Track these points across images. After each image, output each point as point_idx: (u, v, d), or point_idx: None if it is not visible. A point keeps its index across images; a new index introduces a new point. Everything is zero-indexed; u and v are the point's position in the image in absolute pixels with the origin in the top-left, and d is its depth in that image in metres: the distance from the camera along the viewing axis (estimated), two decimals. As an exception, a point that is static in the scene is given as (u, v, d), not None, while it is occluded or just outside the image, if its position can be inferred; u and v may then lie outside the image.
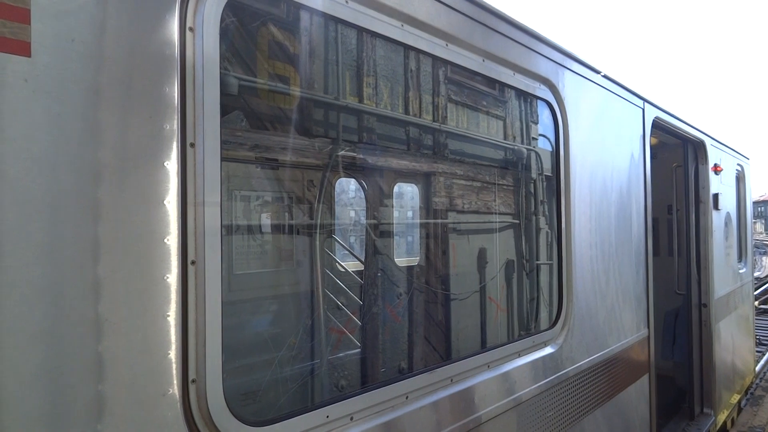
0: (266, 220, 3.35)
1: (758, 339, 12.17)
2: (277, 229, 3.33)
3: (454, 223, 3.68)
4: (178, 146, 1.42)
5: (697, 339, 5.90)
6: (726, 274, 6.61)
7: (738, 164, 7.46)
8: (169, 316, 1.39)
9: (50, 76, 1.21)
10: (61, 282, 1.22)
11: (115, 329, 1.30)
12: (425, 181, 3.62)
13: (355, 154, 3.19)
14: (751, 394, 8.14)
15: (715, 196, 6.09)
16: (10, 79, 1.16)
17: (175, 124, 1.42)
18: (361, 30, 2.11)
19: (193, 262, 1.45)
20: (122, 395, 1.30)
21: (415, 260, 3.92)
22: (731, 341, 6.75)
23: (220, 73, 1.54)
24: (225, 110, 1.87)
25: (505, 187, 3.83)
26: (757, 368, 9.17)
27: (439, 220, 3.60)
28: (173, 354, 1.39)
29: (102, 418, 1.27)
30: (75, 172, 1.25)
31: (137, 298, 1.34)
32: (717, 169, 6.11)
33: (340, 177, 3.61)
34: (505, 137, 3.60)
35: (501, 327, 3.66)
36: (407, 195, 4.27)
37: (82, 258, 1.25)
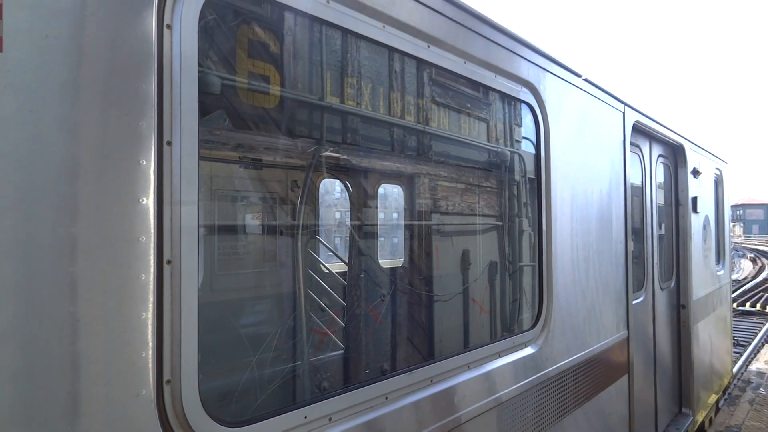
0: (247, 220, 3.33)
1: (736, 340, 12.40)
2: (258, 229, 3.32)
3: (437, 224, 3.69)
4: (154, 144, 1.41)
5: (676, 340, 5.99)
6: (704, 276, 6.72)
7: (716, 168, 7.59)
8: (144, 315, 1.37)
9: (23, 72, 1.19)
10: (34, 280, 1.21)
11: (89, 329, 1.28)
12: (409, 182, 3.62)
13: (338, 155, 3.19)
14: (729, 394, 8.28)
15: (694, 199, 6.19)
16: None
17: (152, 122, 1.41)
18: (342, 30, 2.11)
19: (169, 262, 1.44)
20: (95, 396, 1.29)
21: (398, 261, 3.92)
22: (709, 342, 6.86)
23: (199, 71, 1.53)
24: (204, 108, 1.86)
25: (488, 189, 3.85)
26: (735, 369, 9.33)
27: (423, 222, 3.61)
28: (148, 354, 1.38)
29: (75, 418, 1.25)
30: (49, 170, 1.23)
31: (112, 298, 1.32)
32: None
33: (324, 177, 3.61)
34: (488, 139, 3.62)
35: (482, 328, 3.68)
36: (391, 196, 4.28)
37: (55, 256, 1.24)
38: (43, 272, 1.22)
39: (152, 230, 1.40)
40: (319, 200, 3.70)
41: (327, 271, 4.02)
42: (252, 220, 3.37)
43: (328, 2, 1.96)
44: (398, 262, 3.95)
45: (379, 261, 3.95)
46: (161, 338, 1.41)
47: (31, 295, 1.20)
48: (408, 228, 3.65)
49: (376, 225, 3.82)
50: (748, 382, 8.59)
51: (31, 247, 1.20)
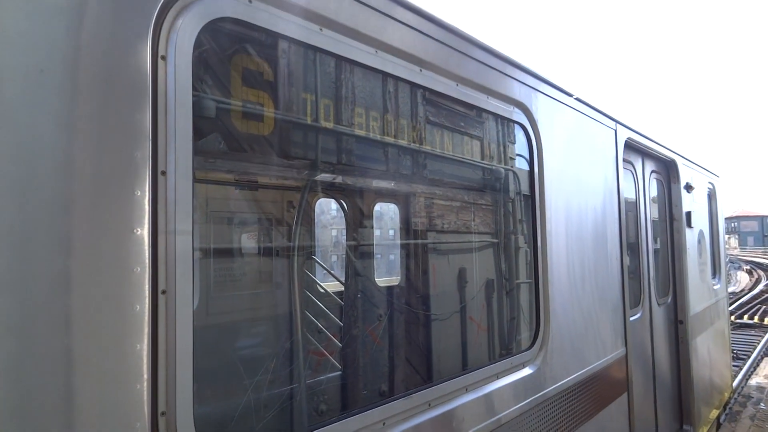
0: (244, 243, 3.33)
1: (735, 353, 12.37)
2: (253, 250, 3.31)
3: (433, 242, 3.69)
4: (149, 174, 1.41)
5: (675, 355, 5.97)
6: (701, 291, 6.72)
7: (709, 182, 7.65)
8: (138, 347, 1.36)
9: (17, 108, 1.20)
10: (30, 314, 1.20)
11: (84, 361, 1.27)
12: (405, 202, 3.63)
13: (335, 177, 3.20)
14: (730, 409, 8.23)
15: (688, 214, 6.23)
16: None
17: (147, 153, 1.41)
18: (336, 57, 2.13)
19: (163, 292, 1.43)
20: (90, 428, 1.27)
21: (395, 280, 3.92)
22: (708, 357, 6.84)
23: (193, 100, 1.54)
24: (199, 137, 1.86)
25: (483, 207, 3.86)
26: (735, 383, 9.29)
27: (419, 240, 3.61)
28: (142, 386, 1.36)
29: None
30: (44, 204, 1.23)
31: (107, 329, 1.31)
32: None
33: (319, 197, 3.62)
34: (482, 159, 3.64)
35: (480, 348, 3.66)
36: (387, 215, 4.28)
37: (50, 289, 1.23)
38: (38, 305, 1.21)
39: (147, 260, 1.39)
40: (315, 220, 3.70)
41: (323, 292, 4.01)
42: (247, 242, 3.37)
43: (321, 29, 1.98)
44: (395, 280, 3.94)
45: (376, 279, 3.94)
46: (156, 370, 1.40)
47: (28, 329, 1.20)
48: (404, 247, 3.66)
49: (372, 244, 3.82)
50: (749, 397, 8.55)
51: (28, 282, 1.20)
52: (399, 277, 3.74)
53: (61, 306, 1.25)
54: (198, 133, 1.60)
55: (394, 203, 3.79)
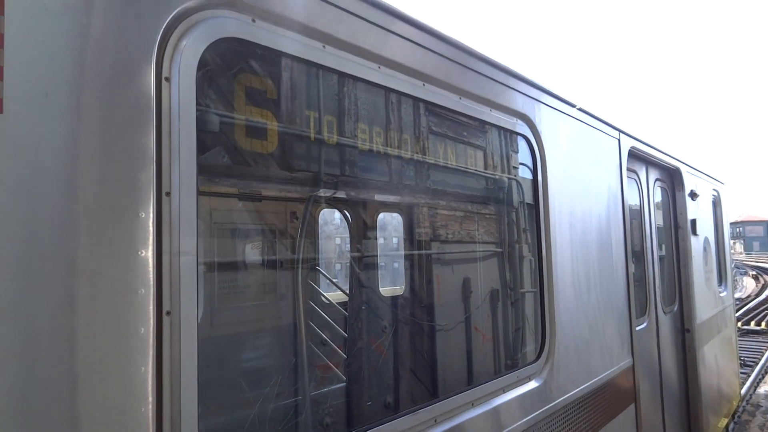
0: (247, 254, 3.32)
1: (742, 360, 12.26)
2: (258, 263, 3.31)
3: (438, 253, 3.68)
4: (153, 196, 1.42)
5: (682, 364, 5.92)
6: (708, 299, 6.68)
7: (714, 189, 7.62)
8: (143, 369, 1.36)
9: (23, 132, 1.21)
10: (34, 338, 1.20)
11: (89, 384, 1.27)
12: (411, 215, 3.63)
13: (340, 193, 3.19)
14: (738, 417, 8.15)
15: (693, 221, 6.20)
16: None
17: (151, 174, 1.42)
18: (339, 73, 2.14)
19: (168, 313, 1.43)
20: None
21: (398, 292, 3.90)
22: (716, 365, 6.79)
23: (197, 120, 1.55)
24: (204, 156, 1.87)
25: (487, 217, 3.86)
26: (743, 391, 9.21)
27: (424, 251, 3.60)
28: (147, 409, 1.36)
29: None
30: (49, 227, 1.23)
31: (111, 352, 1.31)
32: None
33: (322, 209, 3.61)
34: (486, 170, 3.64)
35: (486, 361, 3.64)
36: (397, 229, 4.28)
37: (54, 312, 1.23)
38: (42, 329, 1.21)
39: (151, 282, 1.39)
40: (318, 232, 3.70)
41: (328, 303, 4.00)
42: (251, 255, 3.37)
43: (324, 47, 1.99)
44: (399, 290, 3.92)
45: (380, 289, 3.93)
46: (161, 392, 1.39)
47: (31, 354, 1.19)
48: (409, 258, 3.65)
49: (376, 255, 3.82)
50: (758, 405, 8.47)
51: (31, 306, 1.20)
52: (403, 288, 3.72)
53: (65, 329, 1.24)
54: (202, 153, 1.60)
55: (400, 215, 3.79)
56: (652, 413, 4.91)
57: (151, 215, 1.41)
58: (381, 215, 3.92)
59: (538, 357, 3.11)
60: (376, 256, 3.88)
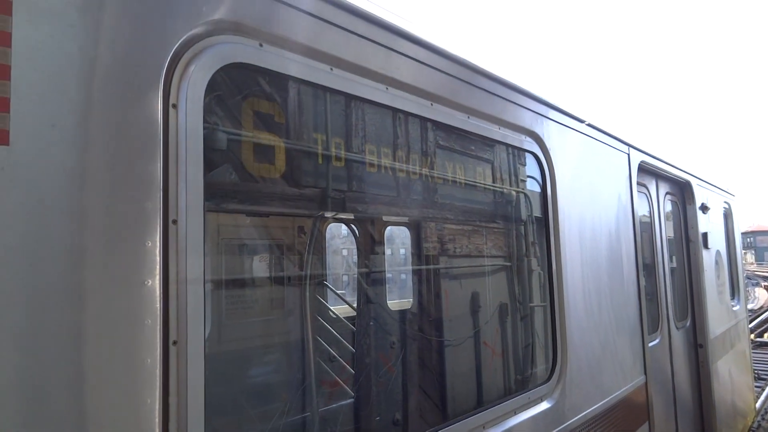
0: (256, 279, 3.30)
1: (756, 374, 12.06)
2: (266, 288, 3.28)
3: (447, 270, 3.64)
4: (160, 223, 1.40)
5: (695, 380, 5.82)
6: (720, 313, 6.58)
7: (725, 201, 7.54)
8: (149, 401, 1.33)
9: (29, 163, 1.20)
10: (41, 371, 1.18)
11: (95, 417, 1.25)
12: (419, 231, 3.60)
13: (349, 212, 3.17)
14: (754, 433, 7.99)
15: (704, 235, 6.13)
16: None
17: (158, 202, 1.40)
18: (347, 95, 2.13)
19: (174, 342, 1.41)
20: None
21: (406, 306, 3.86)
22: (730, 380, 6.67)
23: (204, 146, 1.54)
24: (211, 184, 1.86)
25: (497, 233, 3.82)
26: (758, 405, 9.04)
27: (433, 267, 3.56)
28: None
29: None
30: (55, 258, 1.22)
31: (117, 384, 1.29)
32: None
33: (330, 223, 3.58)
34: (495, 186, 3.61)
35: (496, 382, 3.58)
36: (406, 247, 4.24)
37: (60, 346, 1.21)
38: (47, 361, 1.19)
39: (158, 311, 1.37)
40: (326, 248, 3.67)
41: (335, 318, 3.96)
42: (259, 276, 3.34)
43: (331, 69, 1.98)
44: (407, 304, 3.88)
45: (388, 303, 3.87)
46: (167, 424, 1.37)
47: (37, 389, 1.17)
48: (422, 274, 3.61)
49: (384, 270, 3.78)
50: (773, 420, 8.30)
51: (38, 338, 1.18)
52: (411, 303, 3.68)
53: (71, 360, 1.23)
54: (210, 179, 1.59)
55: (407, 227, 3.76)
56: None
57: (158, 244, 1.39)
58: (389, 229, 3.88)
59: (550, 377, 3.06)
60: (384, 271, 3.84)
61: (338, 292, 4.38)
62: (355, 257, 3.65)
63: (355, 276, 3.71)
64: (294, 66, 1.86)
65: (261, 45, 1.75)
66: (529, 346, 3.55)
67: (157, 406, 1.35)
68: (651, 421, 4.21)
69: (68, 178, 1.25)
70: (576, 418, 3.14)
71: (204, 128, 1.54)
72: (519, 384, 3.50)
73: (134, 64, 1.40)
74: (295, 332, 3.26)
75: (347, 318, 3.98)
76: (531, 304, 3.60)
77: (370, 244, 3.32)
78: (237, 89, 1.97)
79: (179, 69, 1.51)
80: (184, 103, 1.49)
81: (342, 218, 3.29)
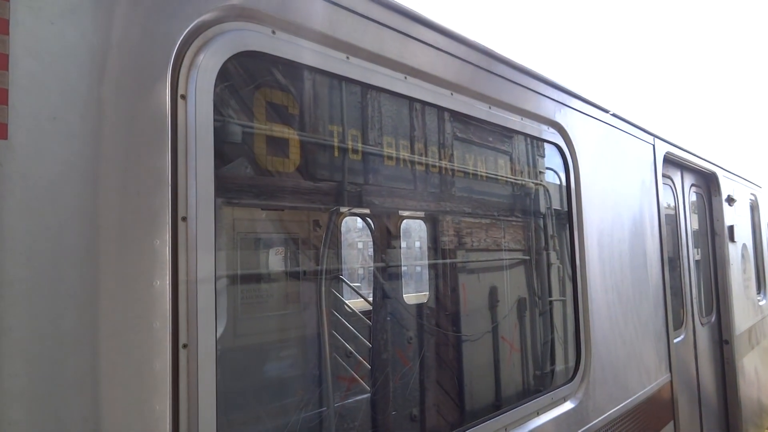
0: (269, 276, 3.23)
1: (781, 370, 11.77)
2: (281, 283, 3.21)
3: (466, 262, 3.54)
4: (168, 221, 1.33)
5: (720, 377, 5.67)
6: (746, 308, 6.40)
7: (751, 193, 7.32)
8: (158, 408, 1.27)
9: (29, 158, 1.13)
10: (43, 380, 1.12)
11: (101, 427, 1.19)
12: (444, 225, 3.50)
13: (365, 204, 3.09)
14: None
15: (731, 228, 5.95)
16: None
17: (166, 198, 1.33)
18: (364, 85, 2.04)
19: (185, 346, 1.34)
20: None
21: (423, 300, 3.77)
22: (756, 377, 6.50)
23: (215, 140, 1.46)
24: (221, 176, 1.78)
25: (517, 227, 3.71)
26: (783, 402, 8.81)
27: (457, 261, 3.47)
28: None
29: None
30: (58, 259, 1.16)
31: (123, 390, 1.23)
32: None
33: (346, 216, 3.50)
34: (514, 175, 3.49)
35: (518, 382, 3.48)
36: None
37: (67, 350, 1.15)
38: (52, 371, 1.13)
39: (167, 314, 1.31)
40: (342, 241, 3.59)
41: (351, 312, 3.89)
42: (273, 272, 3.28)
43: (348, 58, 1.89)
44: (424, 297, 3.78)
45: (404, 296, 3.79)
46: (177, 430, 1.30)
47: (43, 394, 1.12)
48: (444, 269, 3.52)
49: (399, 265, 3.69)
50: (800, 418, 8.08)
51: (42, 340, 1.12)
52: (428, 297, 3.59)
53: (75, 366, 1.17)
54: (221, 173, 1.52)
55: (423, 221, 3.67)
56: (691, 430, 4.69)
57: (167, 242, 1.32)
58: (411, 222, 3.79)
59: (573, 376, 2.96)
60: (400, 265, 3.75)
61: (353, 285, 4.32)
62: (373, 251, 3.57)
63: (371, 270, 3.63)
64: (308, 55, 1.77)
65: (274, 32, 1.66)
66: (552, 343, 3.45)
67: (167, 413, 1.28)
68: (676, 420, 4.09)
69: (70, 174, 1.19)
70: (600, 418, 3.04)
71: (215, 120, 1.47)
72: (541, 383, 3.41)
73: (140, 52, 1.32)
74: (311, 327, 3.20)
75: (363, 312, 3.92)
76: (553, 300, 3.49)
77: (389, 238, 3.24)
78: (249, 79, 1.89)
79: (188, 58, 1.43)
80: (194, 93, 1.42)
81: (358, 212, 3.21)
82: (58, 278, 1.15)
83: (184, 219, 1.37)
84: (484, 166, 3.13)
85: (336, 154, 2.44)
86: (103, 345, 1.20)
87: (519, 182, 3.51)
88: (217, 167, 1.45)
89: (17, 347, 1.10)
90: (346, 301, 4.00)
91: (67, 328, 1.16)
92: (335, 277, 3.70)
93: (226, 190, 1.89)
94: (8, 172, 1.10)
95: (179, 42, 1.40)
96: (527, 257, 3.61)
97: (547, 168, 3.48)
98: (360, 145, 2.49)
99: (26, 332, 1.11)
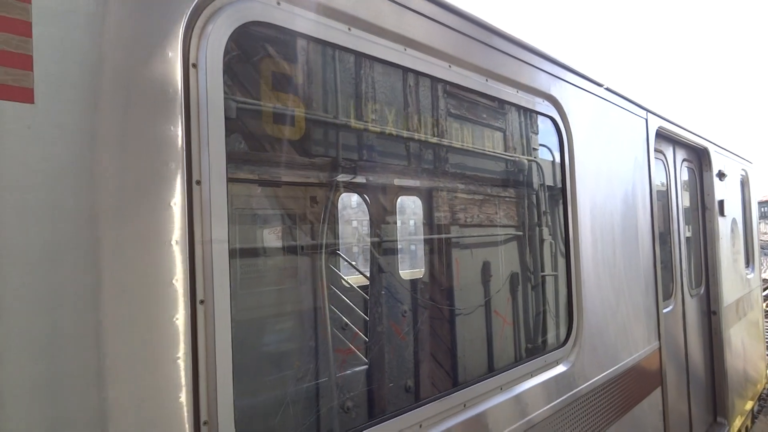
0: (275, 242, 3.31)
1: (769, 343, 12.04)
2: (288, 252, 3.29)
3: (465, 236, 3.64)
4: (183, 184, 1.40)
5: (708, 347, 5.84)
6: (734, 281, 6.56)
7: (742, 169, 7.43)
8: (178, 358, 1.36)
9: (52, 122, 1.19)
10: (62, 332, 1.19)
11: (124, 374, 1.27)
12: (428, 197, 3.59)
13: (364, 176, 3.16)
14: (764, 399, 8.04)
15: (721, 202, 6.06)
16: (13, 127, 1.14)
17: (181, 163, 1.40)
18: (364, 56, 2.09)
19: (202, 302, 1.43)
20: None
21: (418, 273, 3.88)
22: (742, 348, 6.69)
23: (225, 107, 1.52)
24: (232, 143, 1.85)
25: (512, 201, 3.80)
26: (769, 373, 9.06)
27: (451, 235, 3.57)
28: (184, 396, 1.36)
29: None
30: (79, 219, 1.23)
31: (145, 342, 1.31)
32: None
33: (342, 193, 3.58)
34: (513, 153, 3.57)
35: (513, 346, 3.61)
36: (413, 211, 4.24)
37: (84, 305, 1.23)
38: (74, 321, 1.21)
39: (184, 271, 1.39)
40: (340, 216, 3.67)
41: (348, 287, 3.99)
42: (277, 240, 3.36)
43: (349, 29, 1.95)
44: (419, 273, 3.89)
45: (399, 277, 3.89)
46: (197, 380, 1.39)
47: (59, 347, 1.19)
48: (428, 244, 3.61)
49: (395, 240, 3.78)
50: (784, 387, 8.34)
51: (60, 298, 1.19)
52: (424, 272, 3.69)
53: (97, 321, 1.24)
54: (231, 139, 1.58)
55: (418, 196, 3.75)
56: (678, 397, 4.86)
57: (182, 204, 1.40)
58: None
59: (566, 340, 3.08)
60: (396, 240, 3.84)
61: (351, 262, 4.41)
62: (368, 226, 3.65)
63: (367, 246, 3.72)
64: (311, 25, 1.83)
65: (279, 3, 1.71)
66: (544, 314, 3.56)
67: (185, 363, 1.37)
68: (664, 386, 4.24)
69: (90, 138, 1.25)
70: (591, 381, 3.17)
71: (224, 89, 1.53)
72: (535, 349, 3.53)
73: (152, 22, 1.38)
74: (308, 300, 3.30)
75: (360, 287, 4.02)
76: (545, 272, 3.60)
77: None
78: (255, 49, 1.94)
79: (198, 27, 1.49)
80: (204, 62, 1.48)
81: (357, 184, 3.28)
82: (80, 236, 1.23)
83: (198, 183, 1.44)
84: (483, 141, 3.20)
85: (341, 121, 2.51)
86: (123, 300, 1.28)
87: (514, 158, 3.59)
88: (227, 133, 1.52)
89: (34, 298, 1.17)
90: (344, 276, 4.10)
91: (88, 284, 1.24)
92: (333, 252, 3.78)
93: (236, 154, 1.96)
94: (34, 135, 1.17)
95: (189, 12, 1.46)
96: (523, 230, 3.71)
97: (541, 145, 3.56)
98: (363, 112, 2.56)
99: (46, 286, 1.18)
